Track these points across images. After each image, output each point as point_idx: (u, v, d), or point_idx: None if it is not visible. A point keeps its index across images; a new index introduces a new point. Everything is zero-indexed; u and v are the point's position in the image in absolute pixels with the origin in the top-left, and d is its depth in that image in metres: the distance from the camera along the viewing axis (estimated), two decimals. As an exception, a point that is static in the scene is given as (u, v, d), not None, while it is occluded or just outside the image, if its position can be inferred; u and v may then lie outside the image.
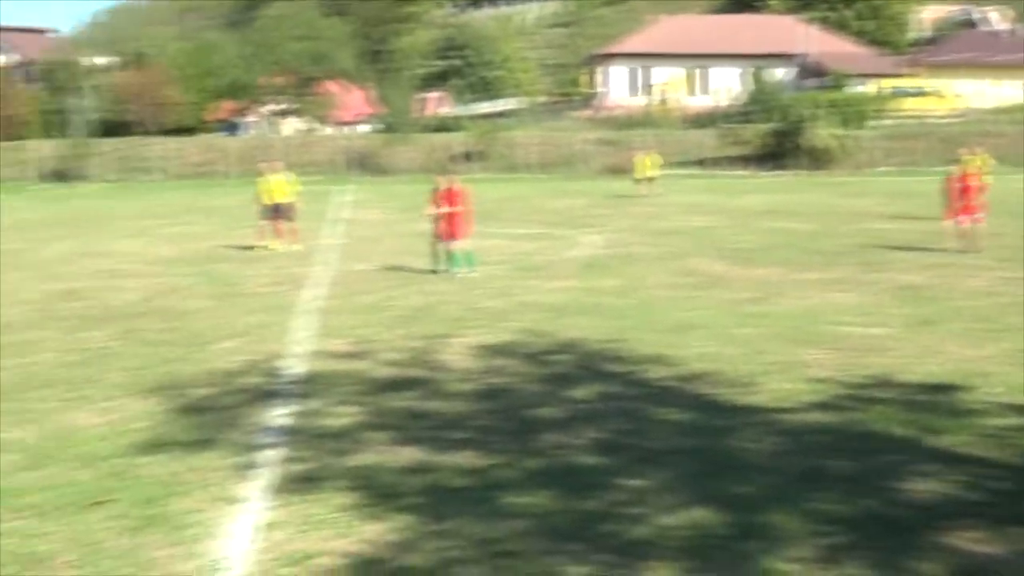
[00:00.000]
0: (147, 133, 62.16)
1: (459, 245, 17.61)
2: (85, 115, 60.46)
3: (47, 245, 24.17)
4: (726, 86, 63.25)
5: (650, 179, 37.06)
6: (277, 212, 22.33)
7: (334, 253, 21.50)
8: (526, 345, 11.88)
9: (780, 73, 62.15)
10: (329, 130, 68.43)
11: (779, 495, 6.83)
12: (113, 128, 62.49)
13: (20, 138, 61.89)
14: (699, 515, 6.50)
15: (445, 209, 17.71)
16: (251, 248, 21.74)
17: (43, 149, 60.03)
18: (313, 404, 9.39)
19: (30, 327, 13.44)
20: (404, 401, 9.47)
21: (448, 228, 17.62)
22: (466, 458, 7.71)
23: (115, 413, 9.16)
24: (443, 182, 18.29)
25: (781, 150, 53.46)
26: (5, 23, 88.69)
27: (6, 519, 6.60)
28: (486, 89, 70.36)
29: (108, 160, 59.66)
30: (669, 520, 6.44)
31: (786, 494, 6.84)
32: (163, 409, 9.27)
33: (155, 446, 8.11)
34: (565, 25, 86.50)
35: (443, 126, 63.11)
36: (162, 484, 7.22)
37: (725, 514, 6.50)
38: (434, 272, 17.56)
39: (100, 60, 72.10)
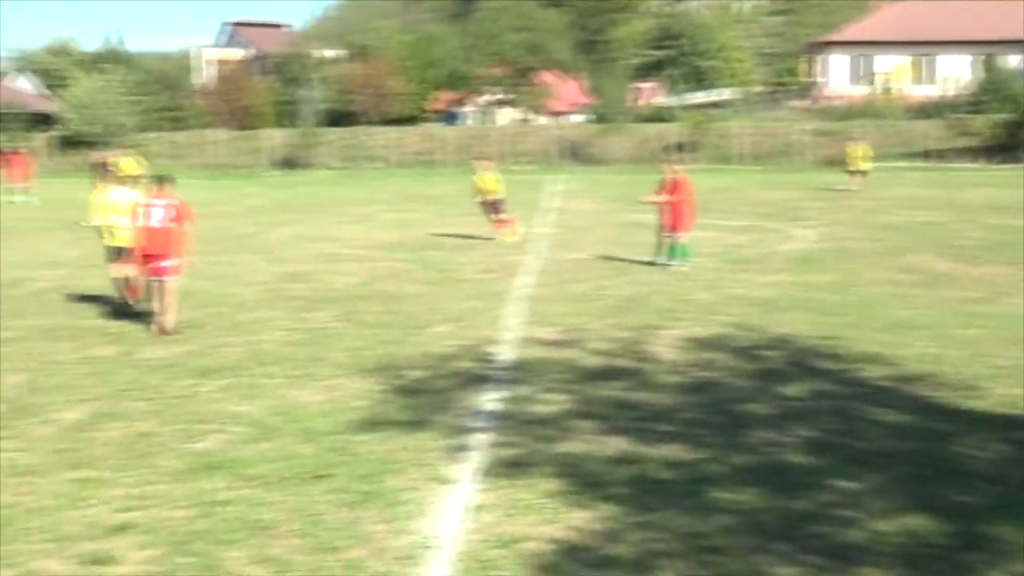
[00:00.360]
0: (370, 123, 64.48)
1: (679, 237, 17.46)
2: (313, 106, 63.27)
3: (276, 229, 25.44)
4: (954, 74, 60.20)
5: (862, 172, 35.64)
6: (493, 207, 22.68)
7: (546, 242, 21.75)
8: (736, 339, 11.70)
9: (1015, 61, 58.66)
10: (543, 120, 69.17)
11: (1005, 506, 6.49)
12: (339, 118, 65.18)
13: (255, 128, 65.42)
14: (915, 522, 6.26)
15: (668, 199, 17.55)
16: (467, 236, 22.20)
17: (275, 138, 63.25)
18: (522, 390, 9.54)
19: (260, 307, 14.20)
20: (612, 391, 9.50)
21: (671, 219, 17.49)
22: (673, 451, 7.67)
23: (336, 391, 9.58)
24: (669, 172, 18.15)
25: (1013, 142, 50.59)
26: (242, 19, 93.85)
27: (234, 488, 7.01)
28: (700, 79, 69.49)
29: (334, 148, 62.30)
30: (883, 525, 6.22)
31: (1013, 505, 6.50)
32: (380, 389, 9.62)
33: (372, 424, 8.44)
34: (783, 13, 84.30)
35: (656, 116, 62.74)
36: (378, 461, 7.51)
37: (944, 523, 6.23)
38: (652, 263, 17.50)
39: (329, 53, 75.21)
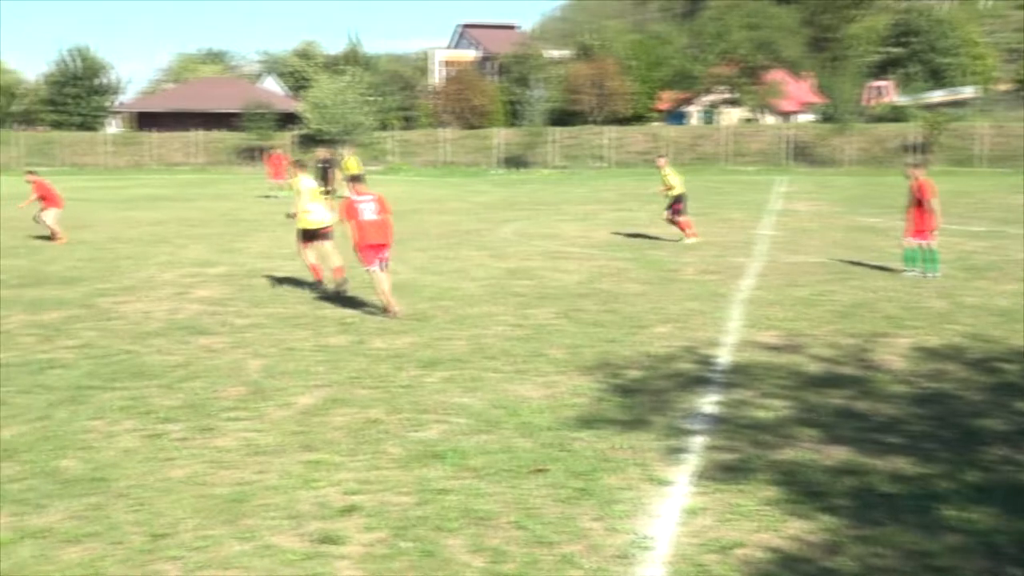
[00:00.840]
0: (595, 122, 64.86)
1: (923, 242, 16.68)
2: (539, 105, 64.15)
3: (501, 226, 25.94)
4: None
5: None
6: (671, 205, 22.36)
7: (768, 244, 21.29)
8: (970, 350, 11.12)
9: None
10: (771, 120, 67.68)
11: None
12: (564, 117, 65.89)
13: (483, 126, 67.01)
14: None
15: (919, 203, 16.78)
16: (682, 238, 21.96)
17: (503, 137, 64.51)
18: (741, 394, 9.39)
19: (484, 302, 14.52)
20: (835, 399, 9.22)
21: (918, 225, 16.74)
22: (899, 464, 7.37)
23: (555, 387, 9.70)
24: (913, 175, 17.35)
25: None
26: (473, 20, 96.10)
27: (454, 477, 7.22)
28: (938, 77, 66.34)
29: (558, 147, 62.98)
30: None
31: None
32: (598, 387, 9.68)
33: (589, 422, 8.51)
34: (1035, 6, 79.31)
35: (889, 116, 60.28)
36: (595, 459, 7.56)
37: None
38: (890, 270, 16.85)
39: (555, 53, 76.12)
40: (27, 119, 78.91)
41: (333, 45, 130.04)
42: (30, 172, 24.23)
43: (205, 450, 7.84)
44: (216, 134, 68.71)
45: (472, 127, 67.85)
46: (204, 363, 10.75)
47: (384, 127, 67.27)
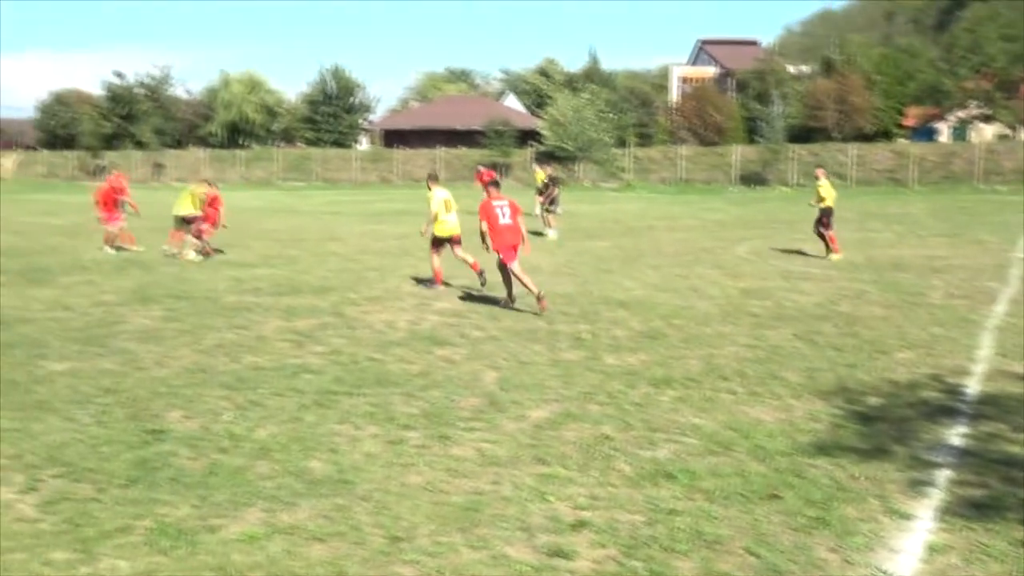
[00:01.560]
0: (837, 139, 62.93)
1: None
2: (780, 121, 62.79)
3: (736, 245, 25.56)
4: None
5: None
6: (819, 218, 22.59)
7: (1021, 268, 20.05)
8: None
9: None
10: (1025, 136, 63.78)
11: None
12: (804, 134, 64.25)
13: (721, 143, 66.23)
14: None
15: None
16: (935, 257, 21.01)
17: (740, 154, 63.53)
18: (992, 427, 8.89)
19: (718, 321, 14.34)
20: (1099, 437, 8.58)
21: None
22: None
23: (790, 411, 9.48)
24: None
25: None
26: (713, 36, 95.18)
27: (685, 498, 7.16)
28: None
29: (797, 165, 61.44)
30: None
31: None
32: (836, 413, 9.38)
33: (826, 449, 8.26)
34: None
35: None
36: (831, 487, 7.34)
37: None
38: None
39: (797, 68, 74.37)
40: (287, 137, 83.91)
41: (573, 63, 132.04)
42: (208, 183, 24.49)
43: (442, 458, 8.11)
44: (458, 151, 70.89)
45: (709, 144, 67.17)
46: (443, 373, 11.12)
47: (621, 144, 67.54)
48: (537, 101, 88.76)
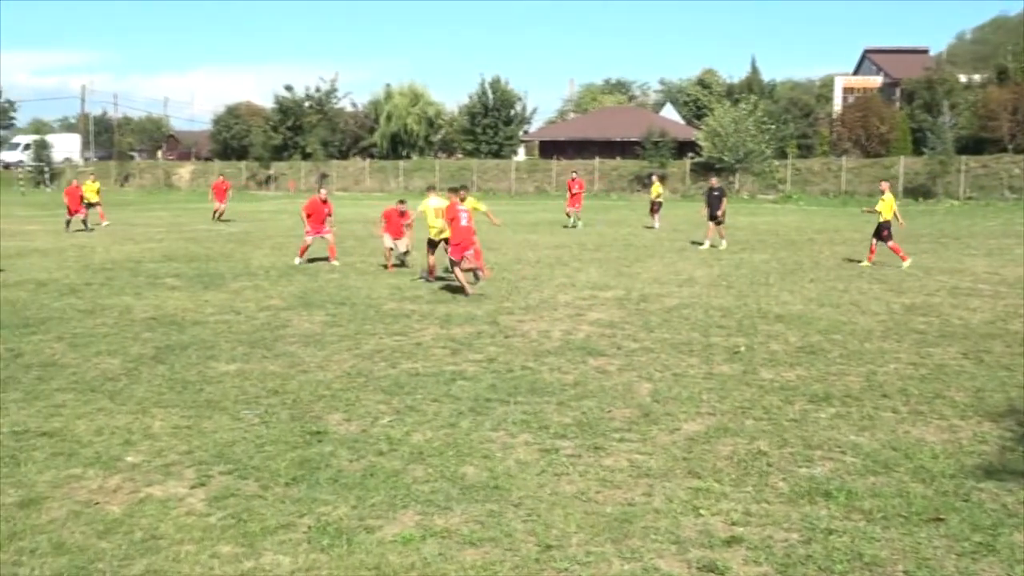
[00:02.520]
0: (1012, 150, 60.29)
1: None
2: (949, 132, 60.48)
3: (899, 259, 24.74)
4: None
5: None
6: (883, 230, 23.75)
7: None
8: None
9: None
10: None
11: None
12: (975, 145, 61.76)
13: (886, 155, 64.24)
14: None
15: None
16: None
17: (906, 165, 61.48)
18: None
19: (880, 337, 13.93)
20: None
21: None
22: None
23: (956, 432, 9.14)
24: None
25: None
26: (878, 45, 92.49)
27: (843, 518, 6.99)
28: None
29: (967, 177, 59.10)
30: None
31: None
32: (1006, 435, 9.00)
33: (994, 472, 7.93)
34: None
35: None
36: (999, 512, 7.04)
37: None
38: None
39: (969, 77, 71.60)
40: (446, 148, 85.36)
41: (734, 73, 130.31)
42: (401, 201, 24.17)
43: (595, 468, 8.12)
44: (614, 162, 70.81)
45: (873, 155, 65.25)
46: (596, 383, 11.13)
47: (781, 155, 66.27)
48: (695, 112, 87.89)
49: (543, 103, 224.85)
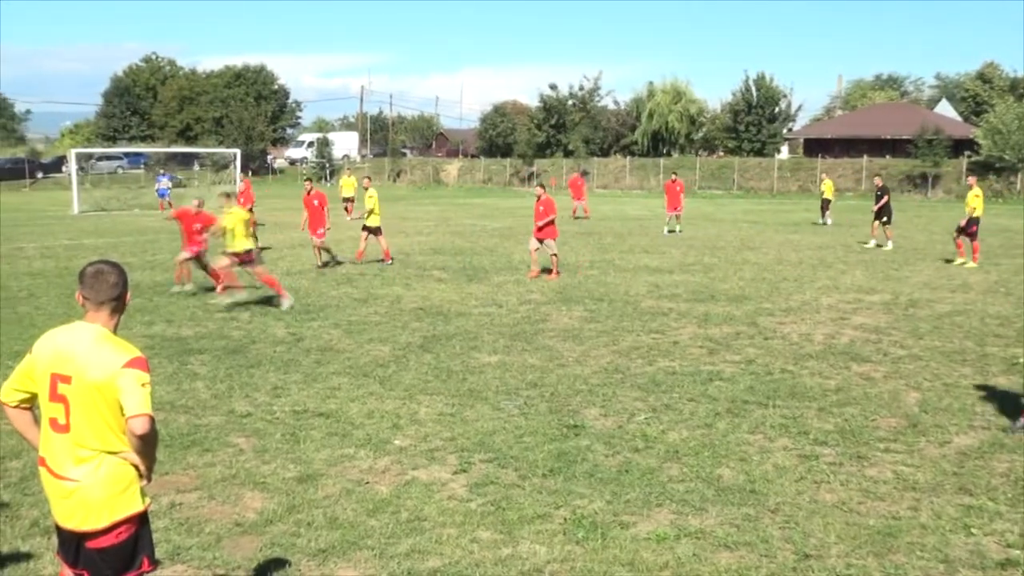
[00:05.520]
0: None
1: None
2: None
3: None
4: None
5: None
6: (972, 226, 23.35)
7: None
8: None
9: None
10: None
11: None
12: None
13: None
14: None
15: None
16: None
17: None
18: None
19: None
20: None
21: None
22: None
23: None
24: None
25: None
26: None
27: None
28: None
29: None
30: None
31: None
32: None
33: None
34: None
35: None
36: None
37: None
38: None
39: None
40: (707, 145, 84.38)
41: (1019, 66, 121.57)
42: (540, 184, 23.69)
43: (857, 478, 7.85)
44: (883, 160, 67.85)
45: None
46: (860, 390, 10.74)
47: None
48: (974, 108, 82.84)
49: (809, 100, 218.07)
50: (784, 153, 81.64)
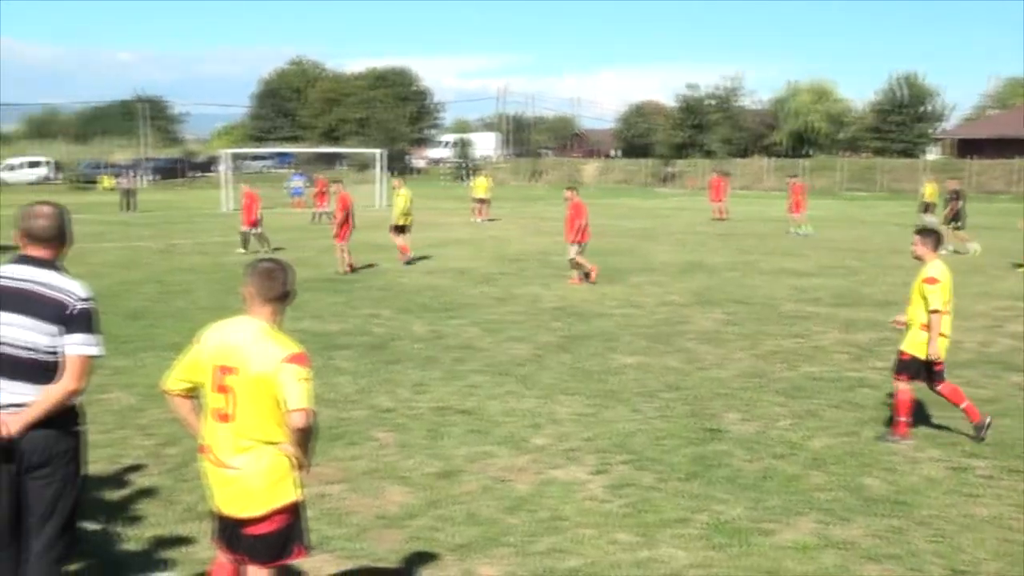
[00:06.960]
0: None
1: None
2: None
3: None
4: None
5: None
6: None
7: None
8: None
9: None
10: None
11: None
12: None
13: None
14: None
15: None
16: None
17: None
18: None
19: None
20: None
21: None
22: None
23: None
24: None
25: None
26: None
27: None
28: None
29: None
30: None
31: None
32: None
33: None
34: None
35: None
36: None
37: None
38: None
39: None
40: (852, 146, 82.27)
41: None
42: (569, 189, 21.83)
43: (1011, 492, 7.55)
44: (1041, 162, 64.95)
45: None
46: (1014, 401, 10.34)
47: None
48: None
49: (961, 100, 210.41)
50: (934, 154, 78.98)
